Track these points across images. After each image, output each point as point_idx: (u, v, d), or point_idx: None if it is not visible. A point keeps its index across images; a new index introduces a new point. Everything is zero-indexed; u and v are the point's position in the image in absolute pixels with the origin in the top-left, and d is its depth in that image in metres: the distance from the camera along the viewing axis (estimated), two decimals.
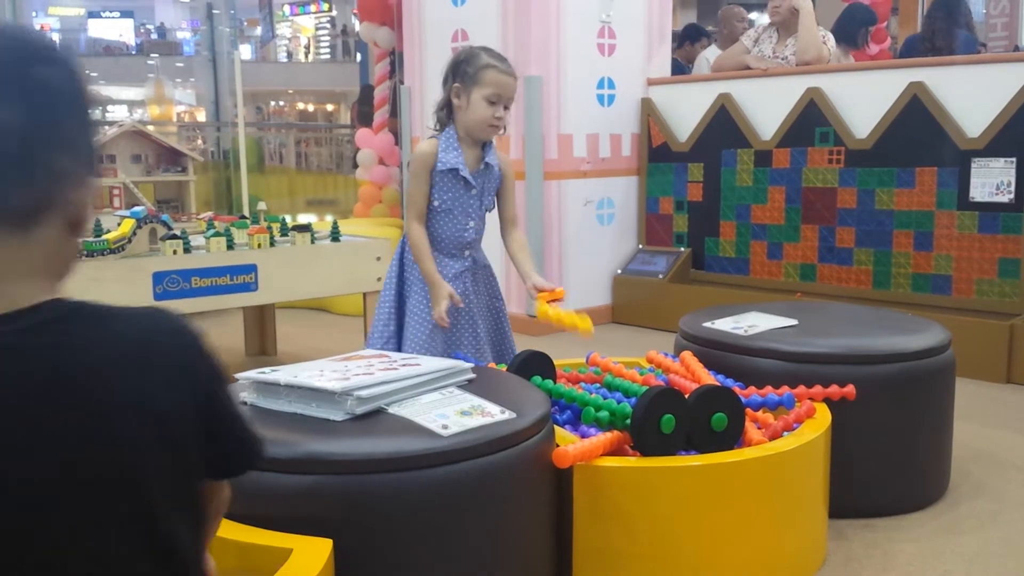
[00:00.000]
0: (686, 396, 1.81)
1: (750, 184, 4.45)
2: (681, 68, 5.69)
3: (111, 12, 24.39)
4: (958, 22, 4.88)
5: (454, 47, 4.70)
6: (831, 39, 4.51)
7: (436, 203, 2.42)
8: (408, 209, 2.47)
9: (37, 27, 21.61)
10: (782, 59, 4.52)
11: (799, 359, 2.19)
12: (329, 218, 6.36)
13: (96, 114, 0.84)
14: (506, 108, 2.39)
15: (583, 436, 1.79)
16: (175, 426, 0.82)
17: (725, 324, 2.41)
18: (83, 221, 0.82)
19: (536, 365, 2.12)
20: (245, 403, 1.59)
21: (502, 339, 2.58)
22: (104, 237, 2.72)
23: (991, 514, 2.27)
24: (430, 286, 2.40)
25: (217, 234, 2.95)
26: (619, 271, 4.81)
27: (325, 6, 22.91)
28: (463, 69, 2.38)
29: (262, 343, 4.06)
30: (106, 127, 4.52)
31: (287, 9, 23.48)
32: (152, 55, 20.36)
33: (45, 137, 0.77)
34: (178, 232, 2.89)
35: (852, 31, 5.06)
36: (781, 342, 2.25)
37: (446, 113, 2.45)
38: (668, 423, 1.73)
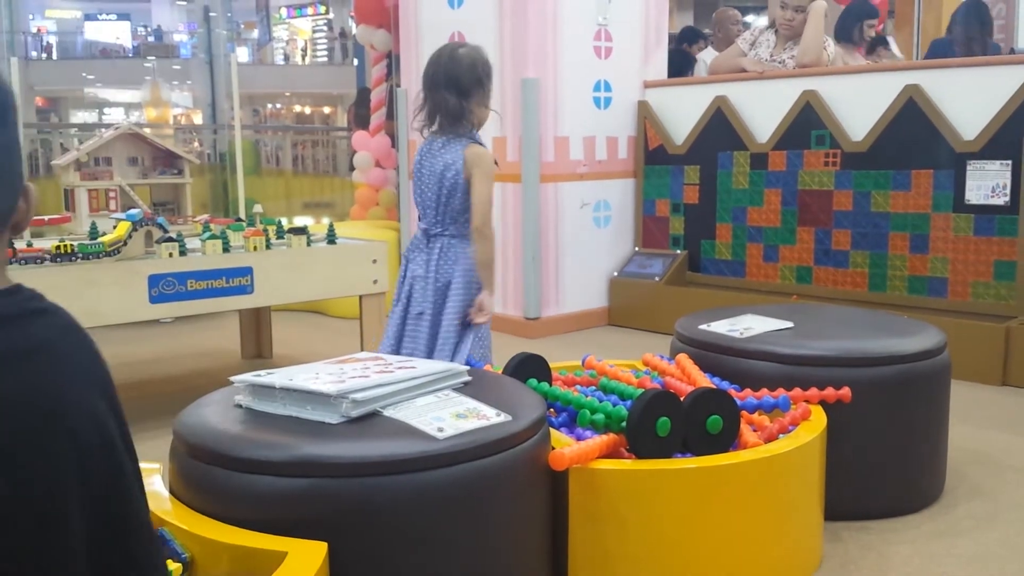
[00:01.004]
0: (682, 399, 1.81)
1: (746, 187, 4.46)
2: (688, 60, 5.72)
3: (108, 15, 24.37)
4: (989, 31, 4.91)
5: None
6: (831, 44, 4.51)
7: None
8: (489, 213, 2.50)
9: (34, 29, 21.61)
10: (779, 63, 4.53)
11: (795, 361, 2.19)
12: (325, 221, 6.35)
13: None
14: None
15: (579, 439, 1.79)
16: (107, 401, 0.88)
17: (721, 326, 2.41)
18: (26, 224, 0.91)
19: (531, 368, 2.12)
20: (240, 406, 1.59)
21: None
22: (100, 240, 2.72)
23: (987, 516, 2.27)
24: (492, 287, 2.53)
25: (213, 237, 2.95)
26: (615, 273, 4.81)
27: (322, 9, 22.92)
28: (487, 80, 2.51)
29: (258, 346, 4.06)
30: (102, 130, 4.51)
31: (284, 12, 23.49)
32: (149, 58, 20.36)
33: (14, 150, 0.86)
34: (174, 235, 2.88)
35: (848, 27, 5.08)
36: (777, 344, 2.25)
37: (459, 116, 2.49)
38: (664, 426, 1.73)
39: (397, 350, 2.54)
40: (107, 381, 0.89)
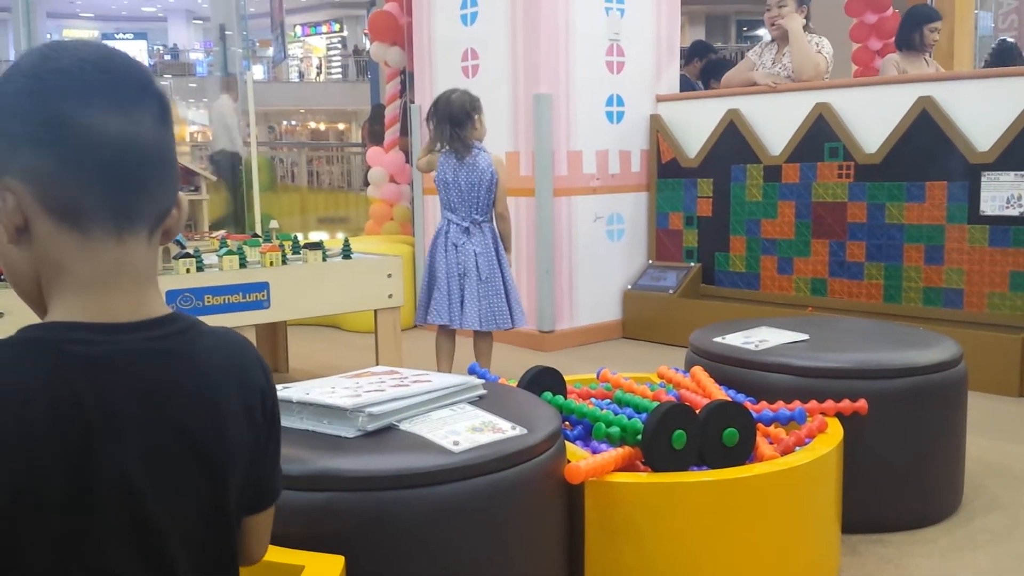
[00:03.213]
0: (697, 411, 1.81)
1: (760, 199, 4.46)
2: (690, 84, 5.70)
3: (125, 34, 24.65)
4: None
5: (464, 66, 4.73)
6: (826, 45, 4.48)
7: None
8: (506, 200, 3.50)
9: None
10: (781, 68, 4.54)
11: (810, 374, 2.19)
12: (341, 236, 6.39)
13: None
14: None
15: (594, 452, 1.79)
16: (249, 437, 0.88)
17: (736, 339, 2.41)
18: (176, 231, 0.88)
19: (546, 381, 2.12)
20: None
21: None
22: None
23: (1005, 529, 2.25)
24: (511, 250, 3.54)
25: (230, 252, 2.97)
26: (629, 286, 4.81)
27: (336, 26, 23.10)
28: (475, 112, 3.35)
29: (274, 360, 4.08)
30: None
31: (299, 30, 23.69)
32: (165, 76, 20.54)
33: (172, 148, 0.83)
34: (191, 251, 2.91)
35: (910, 34, 4.85)
36: (792, 357, 2.25)
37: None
38: (679, 439, 1.73)
39: (460, 312, 3.35)
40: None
